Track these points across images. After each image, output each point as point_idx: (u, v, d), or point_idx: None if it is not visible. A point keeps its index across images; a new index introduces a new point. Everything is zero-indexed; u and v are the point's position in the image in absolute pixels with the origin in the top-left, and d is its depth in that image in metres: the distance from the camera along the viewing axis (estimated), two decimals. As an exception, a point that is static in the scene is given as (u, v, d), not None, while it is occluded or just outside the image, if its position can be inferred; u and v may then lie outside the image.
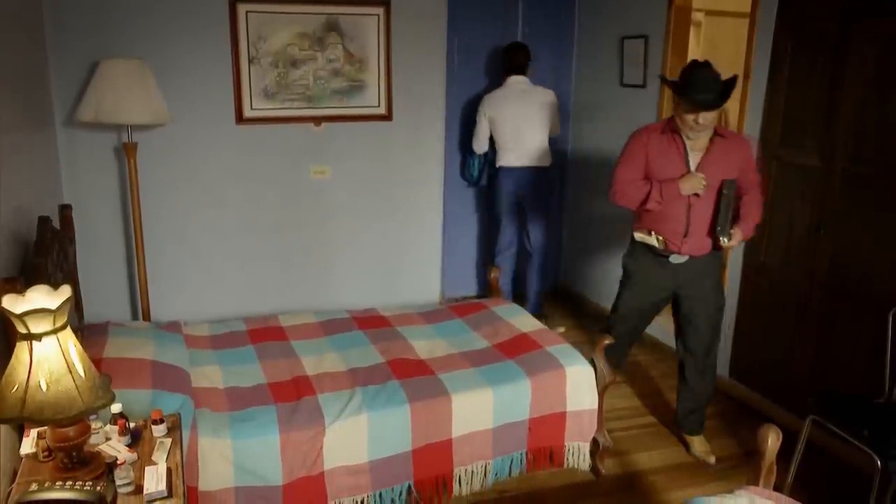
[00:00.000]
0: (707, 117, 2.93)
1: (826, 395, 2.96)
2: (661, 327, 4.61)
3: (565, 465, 3.13)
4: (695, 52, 5.38)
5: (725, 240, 3.06)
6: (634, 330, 3.52)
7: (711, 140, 3.07)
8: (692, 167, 3.06)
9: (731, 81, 2.98)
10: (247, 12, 3.93)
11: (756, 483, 2.19)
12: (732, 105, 5.51)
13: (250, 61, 4.00)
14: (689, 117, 2.94)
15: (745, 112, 3.75)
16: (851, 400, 2.87)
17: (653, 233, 3.19)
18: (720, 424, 3.64)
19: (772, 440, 2.14)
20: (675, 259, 3.17)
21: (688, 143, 3.06)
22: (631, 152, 3.17)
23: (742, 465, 3.24)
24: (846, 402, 2.84)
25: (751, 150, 3.18)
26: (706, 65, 2.98)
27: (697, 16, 5.39)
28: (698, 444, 3.39)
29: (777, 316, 3.64)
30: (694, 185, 3.02)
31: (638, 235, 3.25)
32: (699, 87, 2.91)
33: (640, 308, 3.40)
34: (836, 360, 3.30)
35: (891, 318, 2.81)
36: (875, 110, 3.07)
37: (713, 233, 3.09)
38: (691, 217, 3.09)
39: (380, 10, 4.19)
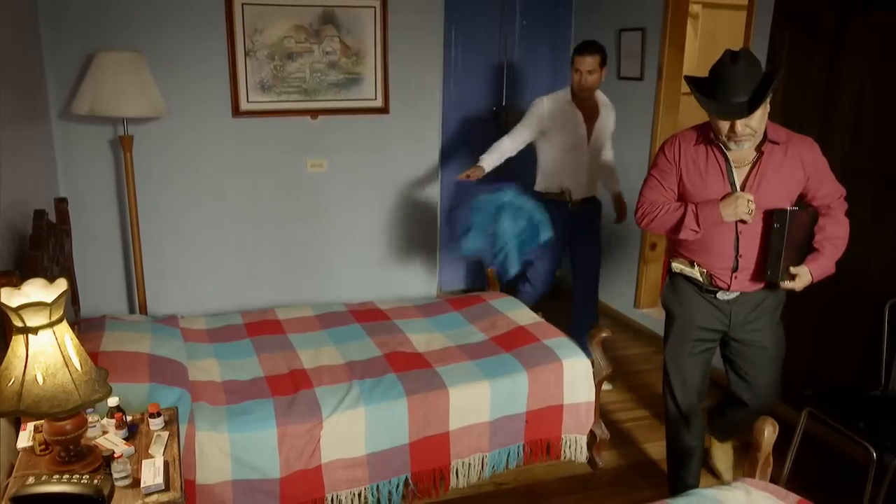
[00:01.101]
0: (751, 123, 2.30)
1: (822, 387, 2.96)
2: (657, 319, 4.62)
3: (562, 458, 3.14)
4: (692, 45, 5.39)
5: (784, 282, 2.46)
6: (698, 387, 2.78)
7: (761, 149, 2.41)
8: (737, 185, 2.44)
9: (770, 77, 2.29)
10: (243, 4, 3.91)
11: (753, 475, 2.19)
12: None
13: (246, 54, 3.98)
14: (723, 125, 2.34)
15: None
16: (847, 392, 2.88)
17: (696, 265, 2.60)
18: (717, 417, 3.65)
19: (768, 432, 2.15)
20: (723, 295, 2.58)
21: (729, 154, 2.43)
22: (659, 168, 2.58)
23: (739, 458, 3.25)
24: (842, 394, 2.85)
25: (822, 154, 2.48)
26: (739, 56, 2.29)
27: (695, 8, 5.39)
28: (723, 454, 3.12)
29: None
30: (739, 208, 2.36)
31: (676, 266, 2.65)
32: (726, 87, 2.28)
33: (691, 355, 2.71)
34: (833, 352, 3.31)
35: (887, 311, 2.81)
36: (873, 103, 3.06)
37: (763, 274, 2.48)
38: (741, 248, 2.47)
39: (376, 3, 4.17)
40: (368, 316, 3.56)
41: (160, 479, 1.83)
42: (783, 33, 3.46)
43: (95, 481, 1.70)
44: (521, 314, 3.51)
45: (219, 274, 4.24)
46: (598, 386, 3.11)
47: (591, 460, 3.18)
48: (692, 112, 5.73)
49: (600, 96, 3.74)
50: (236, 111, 4.04)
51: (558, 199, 3.75)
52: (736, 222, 2.43)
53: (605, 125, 3.74)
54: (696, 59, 5.69)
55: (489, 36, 4.97)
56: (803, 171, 2.44)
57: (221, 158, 4.08)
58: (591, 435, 3.15)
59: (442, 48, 4.47)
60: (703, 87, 2.36)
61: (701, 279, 2.58)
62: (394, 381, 2.87)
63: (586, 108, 3.67)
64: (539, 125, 3.66)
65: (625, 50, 4.59)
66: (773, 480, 2.25)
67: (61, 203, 3.30)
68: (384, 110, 4.35)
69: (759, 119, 2.31)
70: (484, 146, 5.11)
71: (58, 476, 1.71)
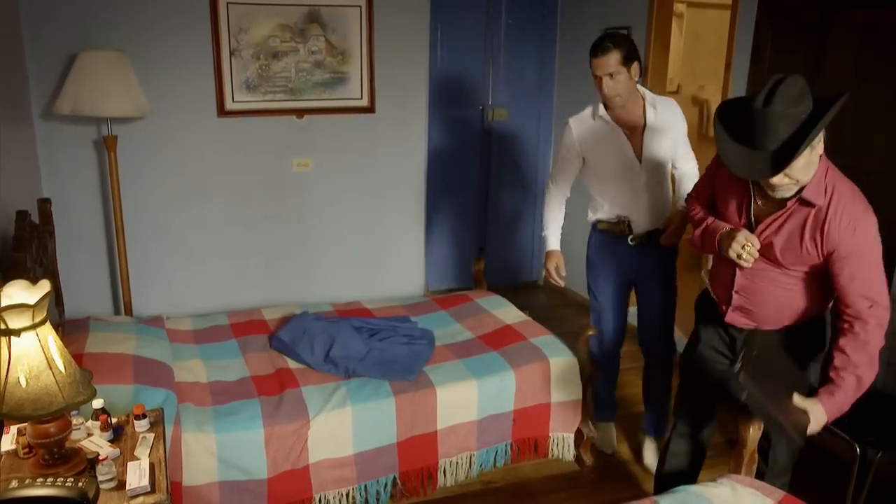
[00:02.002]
0: (791, 172, 1.87)
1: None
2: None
3: (550, 456, 3.15)
4: (677, 44, 5.42)
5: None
6: (705, 419, 2.56)
7: (789, 203, 2.01)
8: (753, 222, 2.12)
9: (814, 119, 1.83)
10: (227, 3, 3.89)
11: (738, 472, 2.21)
12: (715, 96, 5.55)
13: (231, 53, 3.96)
14: None
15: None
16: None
17: (709, 281, 2.42)
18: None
19: (753, 430, 2.16)
20: (734, 327, 2.34)
21: (755, 191, 2.11)
22: (704, 172, 2.41)
23: (724, 455, 3.27)
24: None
25: (867, 242, 1.96)
26: (776, 95, 1.81)
27: (679, 7, 5.43)
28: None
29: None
30: (733, 248, 2.08)
31: (704, 274, 2.57)
32: (751, 134, 1.87)
33: (698, 379, 2.51)
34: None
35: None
36: (853, 101, 3.08)
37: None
38: (738, 285, 2.22)
39: (362, 2, 4.16)
40: (355, 315, 3.55)
41: (146, 481, 1.81)
42: (767, 31, 3.48)
43: (80, 484, 1.69)
44: (508, 313, 3.52)
45: (204, 274, 4.21)
46: (584, 384, 3.12)
47: (578, 458, 3.20)
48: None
49: (647, 97, 2.89)
50: (221, 111, 4.02)
51: (615, 230, 3.03)
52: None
53: (662, 132, 2.89)
54: (681, 57, 5.73)
55: (475, 35, 4.98)
56: (826, 248, 1.98)
57: (207, 158, 4.06)
58: (579, 433, 3.16)
59: (428, 47, 4.46)
60: (731, 122, 1.96)
61: (713, 296, 2.39)
62: (381, 381, 2.87)
63: (627, 119, 2.88)
64: (574, 153, 3.03)
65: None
66: (759, 477, 2.27)
67: (45, 204, 3.27)
68: (370, 109, 4.34)
69: (802, 170, 1.88)
70: (470, 145, 5.16)
71: (42, 479, 1.70)
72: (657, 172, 2.92)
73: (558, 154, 3.15)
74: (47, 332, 1.74)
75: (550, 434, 3.12)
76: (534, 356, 3.07)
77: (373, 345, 3.07)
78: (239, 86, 4.02)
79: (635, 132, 2.88)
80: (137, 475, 1.84)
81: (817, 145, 1.90)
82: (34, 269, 2.66)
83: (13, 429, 1.98)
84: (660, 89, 4.37)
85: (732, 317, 2.29)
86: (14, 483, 1.69)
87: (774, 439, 2.35)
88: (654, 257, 3.01)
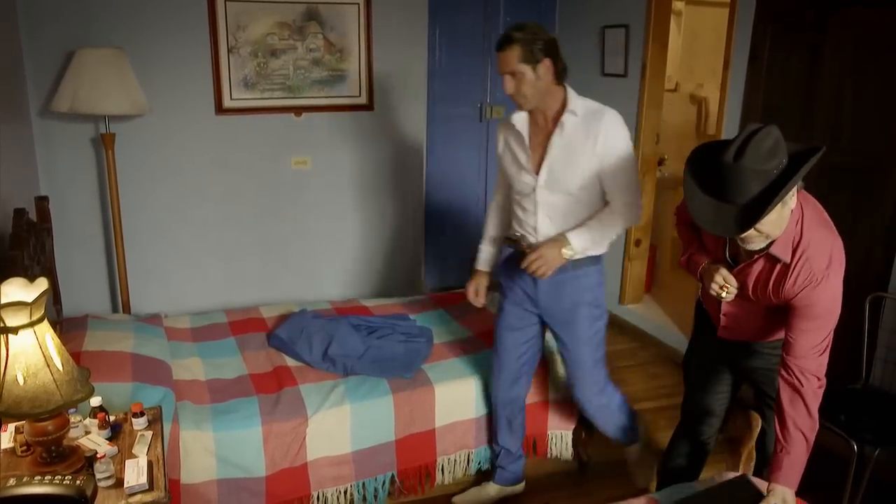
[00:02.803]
0: (762, 227, 1.83)
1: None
2: (641, 315, 4.65)
3: (548, 454, 3.15)
4: (675, 42, 5.42)
5: None
6: (705, 421, 2.55)
7: (755, 256, 2.01)
8: (729, 260, 2.11)
9: (785, 177, 1.77)
10: (226, 1, 3.88)
11: (736, 469, 2.22)
12: (713, 94, 5.55)
13: (229, 51, 3.96)
14: None
15: (726, 101, 3.77)
16: (828, 385, 2.90)
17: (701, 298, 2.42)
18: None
19: (751, 427, 2.17)
20: (723, 334, 2.33)
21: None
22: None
23: (723, 452, 3.27)
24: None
25: (824, 301, 1.95)
26: (746, 149, 1.74)
27: (678, 5, 5.42)
28: None
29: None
30: (713, 288, 2.09)
31: (700, 290, 2.39)
32: (720, 187, 1.82)
33: (705, 403, 2.50)
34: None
35: (867, 306, 2.84)
36: (851, 98, 3.10)
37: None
38: (724, 308, 2.23)
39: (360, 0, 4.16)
40: (354, 313, 3.55)
41: (144, 479, 1.82)
42: (765, 29, 3.48)
43: (78, 482, 1.69)
44: (507, 311, 3.51)
45: (202, 272, 4.21)
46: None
47: (576, 456, 3.20)
48: (676, 110, 5.78)
49: (573, 104, 2.42)
50: (219, 108, 4.01)
51: (514, 245, 2.65)
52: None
53: (575, 147, 2.40)
54: (680, 56, 5.72)
55: (473, 32, 4.97)
56: (789, 295, 1.97)
57: (204, 156, 4.06)
58: (577, 431, 3.16)
59: (426, 44, 4.47)
60: (701, 172, 1.91)
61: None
62: (379, 379, 2.87)
63: (539, 123, 2.50)
64: (499, 157, 2.68)
65: (608, 47, 4.60)
66: (757, 474, 2.27)
67: (42, 202, 3.27)
68: (368, 107, 4.34)
69: (773, 224, 1.84)
70: (469, 142, 5.15)
71: (39, 477, 1.70)
72: (563, 194, 2.45)
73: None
74: (45, 329, 1.74)
75: (549, 432, 3.12)
76: (532, 354, 3.07)
77: (371, 343, 3.07)
78: (237, 83, 4.02)
79: (538, 139, 2.49)
80: (135, 473, 1.84)
81: (789, 201, 1.85)
82: (32, 267, 2.66)
83: (11, 427, 1.98)
84: (658, 88, 4.38)
85: (723, 333, 2.30)
86: (12, 481, 1.69)
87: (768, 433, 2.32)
88: (557, 293, 2.56)
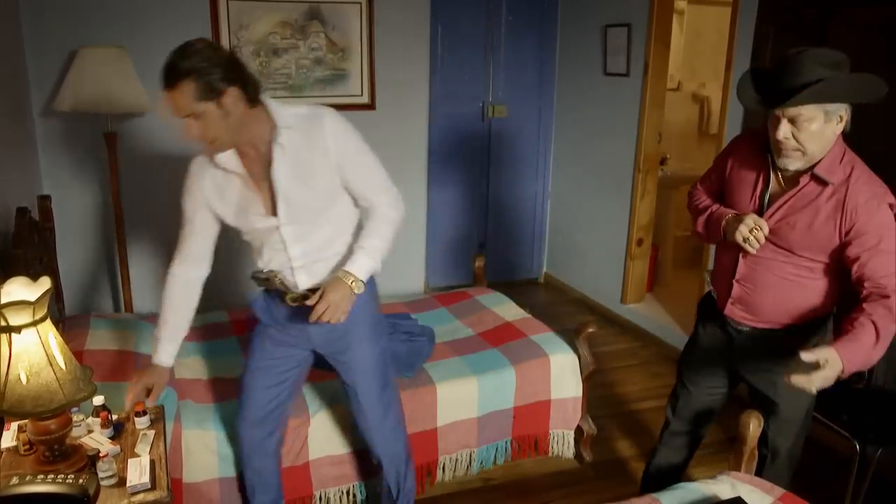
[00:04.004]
0: (799, 134, 1.88)
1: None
2: (643, 314, 4.64)
3: (550, 453, 3.15)
4: (678, 41, 5.42)
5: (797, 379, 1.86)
6: (695, 422, 2.53)
7: (801, 180, 1.99)
8: (765, 205, 2.07)
9: (841, 81, 1.88)
10: (227, 1, 3.89)
11: (738, 468, 2.21)
12: (715, 94, 5.54)
13: (231, 50, 3.96)
14: (771, 129, 1.94)
15: (728, 100, 3.77)
16: (831, 385, 2.90)
17: (709, 278, 2.35)
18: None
19: (753, 426, 2.16)
20: (733, 323, 2.24)
21: (780, 170, 2.04)
22: (715, 159, 2.32)
23: (724, 451, 3.27)
24: (826, 387, 2.87)
25: (889, 220, 1.92)
26: (809, 50, 1.88)
27: (680, 4, 5.42)
28: None
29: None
30: (740, 231, 2.01)
31: (706, 274, 2.47)
32: (774, 75, 1.90)
33: (699, 392, 2.46)
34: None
35: (870, 305, 2.83)
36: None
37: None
38: (740, 274, 2.14)
39: (362, -1, 4.16)
40: (355, 312, 3.55)
41: (146, 478, 1.82)
42: (767, 28, 3.48)
43: (81, 481, 1.69)
44: (508, 310, 3.52)
45: (205, 271, 4.21)
46: (584, 381, 3.12)
47: (578, 455, 3.20)
48: (679, 108, 5.78)
49: (279, 119, 2.00)
50: (221, 107, 4.01)
51: (268, 287, 2.23)
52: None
53: (303, 164, 2.03)
54: (682, 55, 5.72)
55: (475, 31, 4.97)
56: (843, 227, 1.92)
57: (207, 155, 4.06)
58: (579, 430, 3.16)
59: (428, 43, 4.46)
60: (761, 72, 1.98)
61: (714, 296, 2.30)
62: (381, 378, 2.87)
63: (250, 156, 2.06)
64: (202, 206, 2.17)
65: (611, 46, 4.60)
66: (759, 474, 2.27)
67: (45, 201, 3.27)
68: (371, 106, 4.34)
69: (811, 136, 1.87)
70: (470, 141, 5.15)
71: (42, 476, 1.70)
72: (311, 219, 2.11)
73: (183, 213, 2.20)
74: (48, 328, 1.74)
75: (551, 431, 3.12)
76: (534, 353, 3.07)
77: (373, 342, 3.07)
78: (239, 83, 4.01)
79: (265, 174, 2.05)
80: (138, 472, 1.84)
81: (834, 119, 1.88)
82: (34, 266, 2.66)
83: (14, 426, 1.98)
84: (660, 87, 4.37)
85: (731, 310, 2.21)
86: (14, 480, 1.69)
87: (773, 430, 2.29)
88: (333, 328, 2.15)
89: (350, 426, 2.71)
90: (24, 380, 1.67)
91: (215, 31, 3.89)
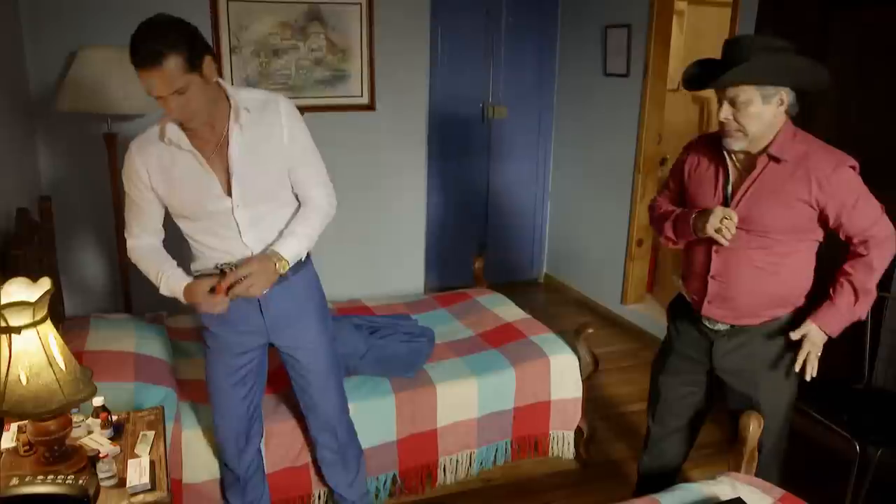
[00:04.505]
0: (740, 117, 1.98)
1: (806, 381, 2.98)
2: (643, 314, 4.64)
3: (550, 454, 3.15)
4: (678, 42, 5.41)
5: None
6: (675, 426, 2.52)
7: (759, 163, 2.06)
8: (729, 197, 2.12)
9: (782, 63, 1.96)
10: (227, 1, 3.88)
11: (737, 469, 2.21)
12: (714, 96, 5.54)
13: (231, 51, 3.96)
14: (717, 109, 2.04)
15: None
16: (831, 386, 2.90)
17: (681, 281, 2.35)
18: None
19: (753, 427, 2.16)
20: (710, 324, 2.25)
21: (736, 162, 2.12)
22: (671, 169, 2.38)
23: (724, 452, 3.27)
24: (826, 388, 2.87)
25: (856, 178, 2.03)
26: (762, 35, 2.07)
27: (680, 5, 5.41)
28: None
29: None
30: (710, 223, 2.03)
31: (675, 280, 2.40)
32: (723, 53, 2.00)
33: (675, 396, 2.45)
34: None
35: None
36: (855, 100, 3.09)
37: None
38: (714, 269, 2.16)
39: (363, 0, 4.16)
40: (355, 313, 3.55)
41: (146, 479, 1.82)
42: (768, 29, 3.48)
43: (80, 481, 1.69)
44: (508, 310, 3.52)
45: (205, 272, 4.21)
46: (584, 381, 3.12)
47: (578, 456, 3.20)
48: (679, 109, 5.78)
49: (236, 97, 2.04)
50: (221, 108, 4.01)
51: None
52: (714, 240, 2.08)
53: (258, 146, 2.07)
54: (682, 55, 5.72)
55: (475, 32, 4.97)
56: (815, 197, 1.99)
57: (207, 156, 4.05)
58: (579, 431, 3.16)
59: (428, 45, 4.46)
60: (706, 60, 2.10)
61: (687, 298, 2.31)
62: (381, 378, 2.87)
63: (202, 136, 2.04)
64: (144, 188, 2.09)
65: (611, 46, 4.60)
66: (758, 474, 2.27)
67: (45, 201, 3.27)
68: (370, 107, 4.33)
69: (751, 117, 1.97)
70: (470, 142, 5.16)
71: (42, 477, 1.70)
72: (263, 205, 2.13)
73: (125, 195, 2.16)
74: (48, 329, 1.74)
75: (550, 432, 3.12)
76: (534, 354, 3.07)
77: (373, 342, 3.06)
78: (239, 83, 4.01)
79: (219, 154, 2.04)
80: (138, 473, 1.84)
81: (773, 102, 1.97)
82: (35, 267, 2.66)
83: (13, 426, 1.98)
84: (660, 87, 4.37)
85: (708, 309, 2.21)
86: (14, 481, 1.70)
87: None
88: (290, 308, 2.25)
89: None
90: (24, 380, 1.67)
91: (215, 31, 3.89)
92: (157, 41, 1.83)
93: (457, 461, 2.96)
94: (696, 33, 5.75)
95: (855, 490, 2.60)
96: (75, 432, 1.96)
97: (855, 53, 3.07)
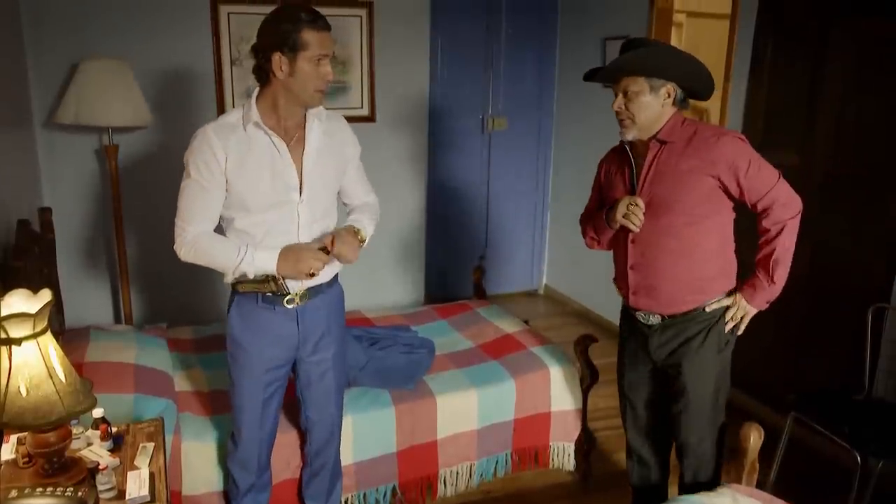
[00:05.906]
0: (630, 105, 2.16)
1: (807, 392, 2.98)
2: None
3: (550, 466, 3.14)
4: (676, 53, 5.42)
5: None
6: (647, 429, 2.59)
7: (651, 148, 2.22)
8: (635, 187, 2.26)
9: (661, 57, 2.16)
10: (229, 13, 3.90)
11: (739, 480, 2.21)
12: (714, 105, 5.56)
13: (233, 62, 3.98)
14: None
15: (727, 112, 3.78)
16: (832, 397, 2.90)
17: (614, 282, 2.47)
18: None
19: (754, 438, 2.16)
20: (644, 318, 2.35)
21: (632, 155, 2.28)
22: (593, 182, 2.53)
23: (725, 463, 3.26)
24: (827, 398, 2.87)
25: (746, 148, 2.16)
26: (651, 41, 2.32)
27: (679, 17, 5.44)
28: None
29: (758, 315, 3.66)
30: (618, 211, 2.20)
31: (613, 282, 2.50)
32: (620, 50, 2.21)
33: (636, 396, 2.56)
34: (817, 357, 3.33)
35: (870, 316, 2.84)
36: (854, 109, 3.10)
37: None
38: (632, 258, 2.29)
39: (362, 11, 4.18)
40: (355, 324, 3.55)
41: (146, 491, 1.81)
42: (765, 40, 3.49)
43: (80, 493, 1.69)
44: (508, 322, 3.51)
45: (205, 283, 4.21)
46: (584, 393, 3.11)
47: (578, 467, 3.19)
48: (677, 120, 5.79)
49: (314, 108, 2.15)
50: (222, 120, 4.02)
51: (262, 291, 2.20)
52: (630, 231, 2.23)
53: (329, 153, 2.24)
54: (681, 67, 5.74)
55: (475, 44, 4.99)
56: (711, 170, 2.12)
57: (207, 167, 4.06)
58: (579, 442, 3.15)
59: (428, 56, 4.48)
60: None
61: (619, 294, 2.43)
62: (381, 390, 2.87)
63: (287, 132, 2.15)
64: (217, 174, 2.10)
65: (610, 58, 4.60)
66: (760, 486, 2.27)
67: (45, 213, 3.28)
68: (371, 119, 4.35)
69: (640, 106, 2.14)
70: (470, 154, 5.17)
71: (41, 489, 1.70)
72: (321, 205, 2.24)
73: (187, 181, 2.14)
74: (48, 341, 1.74)
75: (551, 443, 3.11)
76: (534, 365, 3.07)
77: (373, 354, 3.06)
78: (240, 95, 4.03)
79: (294, 149, 2.15)
80: (137, 484, 1.84)
81: (660, 93, 2.14)
82: (35, 278, 2.66)
83: (13, 438, 1.98)
84: (659, 98, 4.38)
85: (636, 300, 2.33)
86: (13, 493, 1.69)
87: (683, 423, 2.38)
88: (321, 320, 2.31)
89: (353, 438, 2.71)
90: (23, 392, 1.67)
91: (216, 43, 3.91)
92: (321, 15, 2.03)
93: (457, 473, 2.95)
94: (694, 45, 5.78)
95: (856, 501, 2.59)
96: (75, 444, 1.95)
97: (854, 63, 3.08)
